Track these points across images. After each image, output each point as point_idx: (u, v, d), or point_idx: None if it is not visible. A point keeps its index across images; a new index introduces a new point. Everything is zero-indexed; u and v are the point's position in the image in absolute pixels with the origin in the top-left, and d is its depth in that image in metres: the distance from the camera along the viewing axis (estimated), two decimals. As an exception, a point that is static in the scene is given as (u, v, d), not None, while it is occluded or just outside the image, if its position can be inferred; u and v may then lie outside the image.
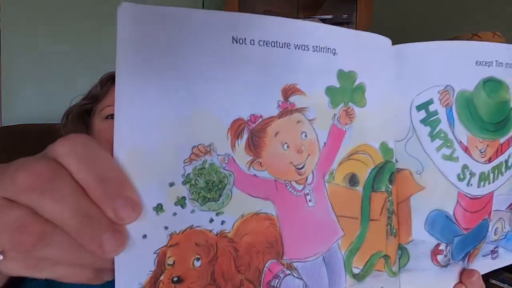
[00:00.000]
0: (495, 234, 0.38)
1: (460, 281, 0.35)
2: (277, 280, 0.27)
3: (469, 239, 0.35)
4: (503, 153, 0.36)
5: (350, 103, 0.30)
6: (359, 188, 0.30)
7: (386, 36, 0.33)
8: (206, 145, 0.25)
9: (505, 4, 0.77)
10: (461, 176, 0.34)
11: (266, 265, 0.27)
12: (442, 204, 0.34)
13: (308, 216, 0.28)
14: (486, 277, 0.57)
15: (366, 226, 0.30)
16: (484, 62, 0.34)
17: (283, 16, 0.31)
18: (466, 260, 0.36)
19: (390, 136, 0.32)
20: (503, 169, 0.37)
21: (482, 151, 0.35)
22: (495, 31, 0.61)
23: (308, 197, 0.28)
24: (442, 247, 0.34)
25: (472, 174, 0.35)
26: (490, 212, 0.37)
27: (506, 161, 0.37)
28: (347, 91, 0.30)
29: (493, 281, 0.56)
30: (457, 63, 0.33)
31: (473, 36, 0.60)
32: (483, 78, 0.34)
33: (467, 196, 0.35)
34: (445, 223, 0.34)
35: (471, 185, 0.35)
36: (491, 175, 0.36)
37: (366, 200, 0.30)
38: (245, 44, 0.25)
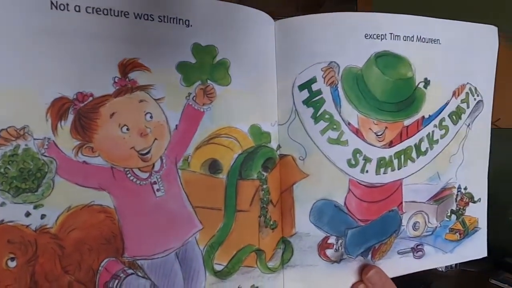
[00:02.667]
0: (414, 229, 0.34)
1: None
2: (117, 281, 0.24)
3: (369, 233, 0.32)
4: (410, 136, 0.33)
5: (209, 81, 0.27)
6: (222, 176, 0.27)
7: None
8: (18, 128, 0.22)
9: (505, 3, 0.75)
10: (352, 162, 0.31)
11: (102, 264, 0.24)
12: (329, 192, 0.30)
13: (156, 208, 0.25)
14: (486, 277, 0.54)
15: (232, 218, 0.27)
16: (375, 35, 0.31)
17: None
18: (369, 256, 0.32)
19: (266, 118, 0.29)
20: (413, 155, 0.33)
21: (379, 134, 0.31)
22: None
23: (156, 186, 0.25)
24: (331, 240, 0.31)
25: (367, 160, 0.31)
26: (401, 203, 0.33)
27: (417, 146, 0.33)
28: (205, 68, 0.27)
29: (493, 281, 0.53)
30: (343, 37, 0.30)
31: None
32: (375, 52, 0.31)
33: (361, 184, 0.31)
34: (334, 214, 0.31)
35: (367, 171, 0.31)
36: (395, 161, 0.32)
37: (232, 188, 0.27)
38: (68, 10, 0.23)
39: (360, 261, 0.32)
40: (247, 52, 0.28)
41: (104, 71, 0.24)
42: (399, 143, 0.32)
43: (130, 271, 0.25)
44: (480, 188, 0.37)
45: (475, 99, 0.36)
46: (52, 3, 0.22)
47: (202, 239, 0.27)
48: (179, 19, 0.26)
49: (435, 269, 0.57)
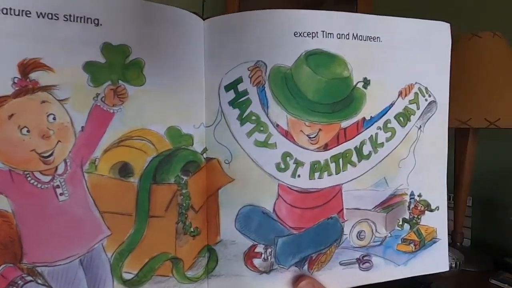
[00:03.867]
0: (359, 238, 0.32)
1: None
2: (14, 288, 0.23)
3: (304, 241, 0.30)
4: (349, 139, 0.31)
5: (121, 81, 0.26)
6: (134, 180, 0.26)
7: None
8: None
9: (505, 4, 0.73)
10: (282, 166, 0.29)
11: None
12: (256, 198, 0.29)
13: (59, 213, 0.24)
14: (486, 277, 0.53)
15: (144, 224, 0.26)
16: (305, 33, 0.29)
17: None
18: (306, 266, 0.30)
19: (188, 120, 0.28)
20: (353, 159, 0.31)
21: (312, 136, 0.30)
22: (495, 31, 0.57)
23: (59, 190, 0.25)
24: (259, 249, 0.29)
25: (298, 163, 0.30)
26: (341, 210, 0.31)
27: (358, 149, 0.31)
28: (116, 68, 0.26)
29: (493, 281, 0.53)
30: (271, 36, 0.29)
31: (473, 36, 0.56)
32: (306, 51, 0.29)
33: (293, 189, 0.30)
34: (261, 220, 0.29)
35: (299, 176, 0.30)
36: (332, 165, 0.30)
37: (144, 193, 0.26)
38: None
39: (294, 272, 0.30)
40: (166, 52, 0.28)
41: (2, 72, 0.23)
42: (336, 146, 0.31)
43: (29, 278, 0.24)
44: (437, 196, 0.35)
45: (426, 99, 0.33)
46: None
47: (110, 245, 0.25)
48: (87, 18, 0.25)
49: None
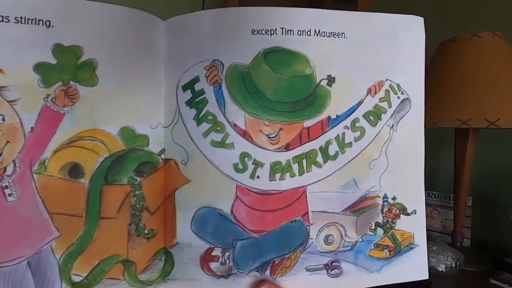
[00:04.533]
0: (327, 243, 0.31)
1: None
2: (-41, 288, 0.23)
3: (265, 245, 0.29)
4: (313, 139, 0.30)
5: (72, 82, 0.26)
6: (84, 181, 0.26)
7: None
8: None
9: (505, 4, 0.72)
10: (240, 167, 0.28)
11: None
12: (213, 200, 0.28)
13: (7, 213, 0.24)
14: (486, 277, 0.53)
15: (94, 226, 0.26)
16: (263, 30, 0.28)
17: None
18: (268, 272, 0.29)
19: (144, 120, 0.28)
20: (318, 159, 0.30)
21: (272, 136, 0.29)
22: (495, 31, 0.56)
23: (7, 191, 0.25)
24: (216, 252, 0.28)
25: (257, 164, 0.29)
26: (306, 213, 0.30)
27: (324, 149, 0.30)
28: (68, 68, 0.26)
29: (493, 281, 0.53)
30: (227, 34, 0.28)
31: (473, 36, 0.56)
32: (264, 49, 0.28)
33: (252, 191, 0.29)
34: (219, 223, 0.28)
35: (258, 177, 0.29)
36: (295, 166, 0.29)
37: (95, 194, 0.26)
38: None
39: (254, 277, 0.29)
40: (122, 52, 0.27)
41: None
42: (298, 146, 0.29)
43: (-25, 279, 0.24)
44: (414, 199, 0.33)
45: (398, 97, 0.32)
46: None
47: (59, 247, 0.25)
48: (39, 20, 0.25)
49: (435, 269, 0.55)
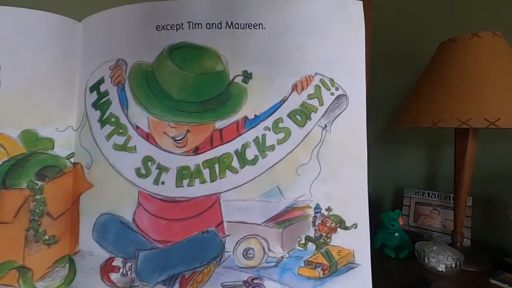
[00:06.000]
0: (246, 257, 0.28)
1: None
2: None
3: (173, 257, 0.27)
4: (227, 141, 0.27)
5: (-26, 87, 0.26)
6: (-18, 184, 0.26)
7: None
8: None
9: (505, 4, 0.70)
10: (143, 171, 0.27)
11: None
12: (115, 206, 0.27)
13: None
14: (486, 277, 0.53)
15: (-10, 229, 0.26)
16: (169, 26, 0.27)
17: None
18: (176, 286, 0.27)
19: (49, 123, 0.27)
20: (234, 164, 0.27)
21: (178, 138, 0.27)
22: (495, 31, 0.54)
23: None
24: (117, 262, 0.26)
25: (162, 169, 0.27)
26: (221, 223, 0.27)
27: (240, 153, 0.27)
28: None
29: (493, 281, 0.53)
30: (131, 31, 0.27)
31: (473, 36, 0.55)
32: (169, 45, 0.27)
33: (156, 198, 0.27)
34: (120, 231, 0.26)
35: (163, 183, 0.27)
36: (206, 171, 0.27)
37: (-7, 198, 0.26)
38: None
39: (161, 292, 0.27)
40: (27, 55, 0.27)
41: None
42: (209, 150, 0.27)
43: None
44: (355, 210, 0.28)
45: (332, 93, 0.28)
46: None
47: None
48: None
49: (435, 269, 0.55)
